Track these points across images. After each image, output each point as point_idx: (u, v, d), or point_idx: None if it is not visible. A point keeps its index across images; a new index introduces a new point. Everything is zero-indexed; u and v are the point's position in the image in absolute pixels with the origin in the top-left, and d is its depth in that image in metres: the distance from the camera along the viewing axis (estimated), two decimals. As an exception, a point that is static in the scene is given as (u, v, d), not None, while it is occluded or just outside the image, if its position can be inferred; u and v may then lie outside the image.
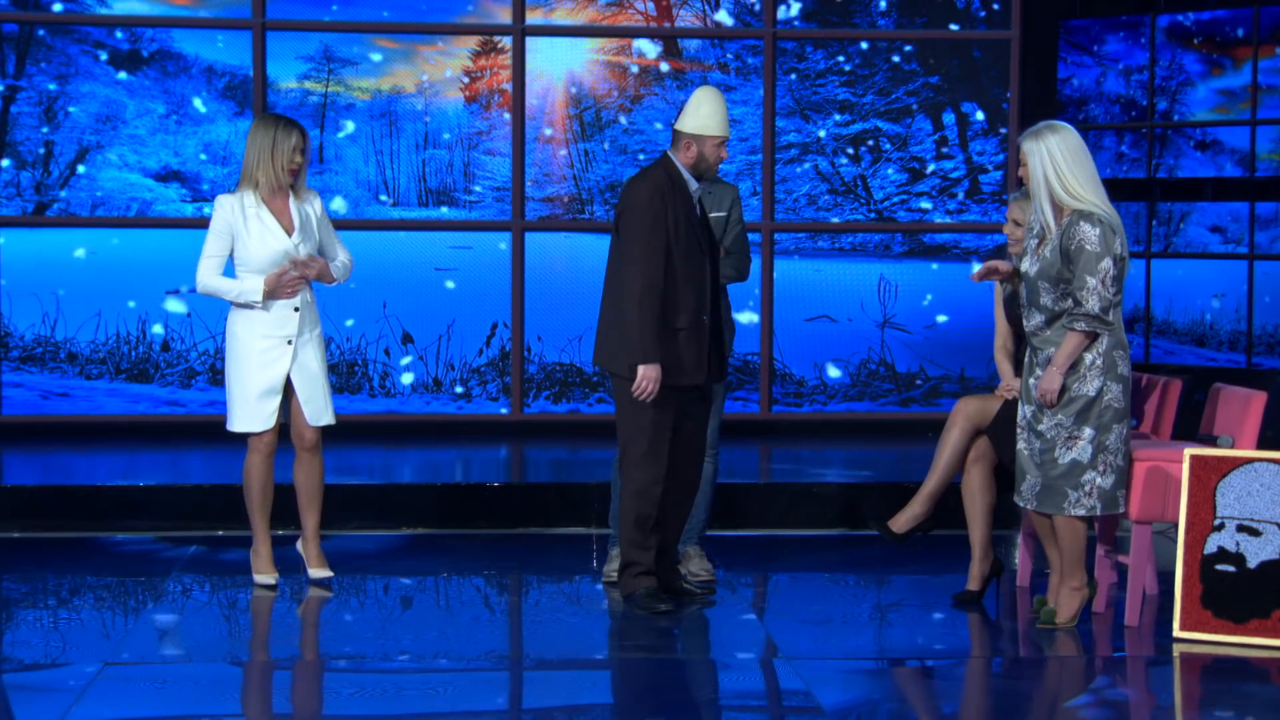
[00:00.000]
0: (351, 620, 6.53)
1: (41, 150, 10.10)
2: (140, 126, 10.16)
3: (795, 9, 10.45)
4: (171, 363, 10.17)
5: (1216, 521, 6.14)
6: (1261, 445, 6.45)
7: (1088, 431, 6.12)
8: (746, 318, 10.36)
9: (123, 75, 10.14)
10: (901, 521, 6.71)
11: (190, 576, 7.17)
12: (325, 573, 6.95)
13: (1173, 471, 6.30)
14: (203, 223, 10.07)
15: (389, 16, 10.26)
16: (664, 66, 10.42)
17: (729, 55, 10.47)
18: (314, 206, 6.86)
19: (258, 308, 6.71)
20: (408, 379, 10.30)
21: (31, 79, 10.08)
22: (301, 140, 6.73)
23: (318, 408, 6.81)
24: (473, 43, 10.34)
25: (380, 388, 10.30)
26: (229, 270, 6.83)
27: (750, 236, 7.98)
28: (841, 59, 10.50)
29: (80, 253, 10.09)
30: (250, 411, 6.73)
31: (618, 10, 10.43)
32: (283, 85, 10.19)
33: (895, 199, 10.58)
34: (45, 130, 10.09)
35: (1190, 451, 6.20)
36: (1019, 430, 6.30)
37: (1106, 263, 6.05)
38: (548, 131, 10.37)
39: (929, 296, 10.55)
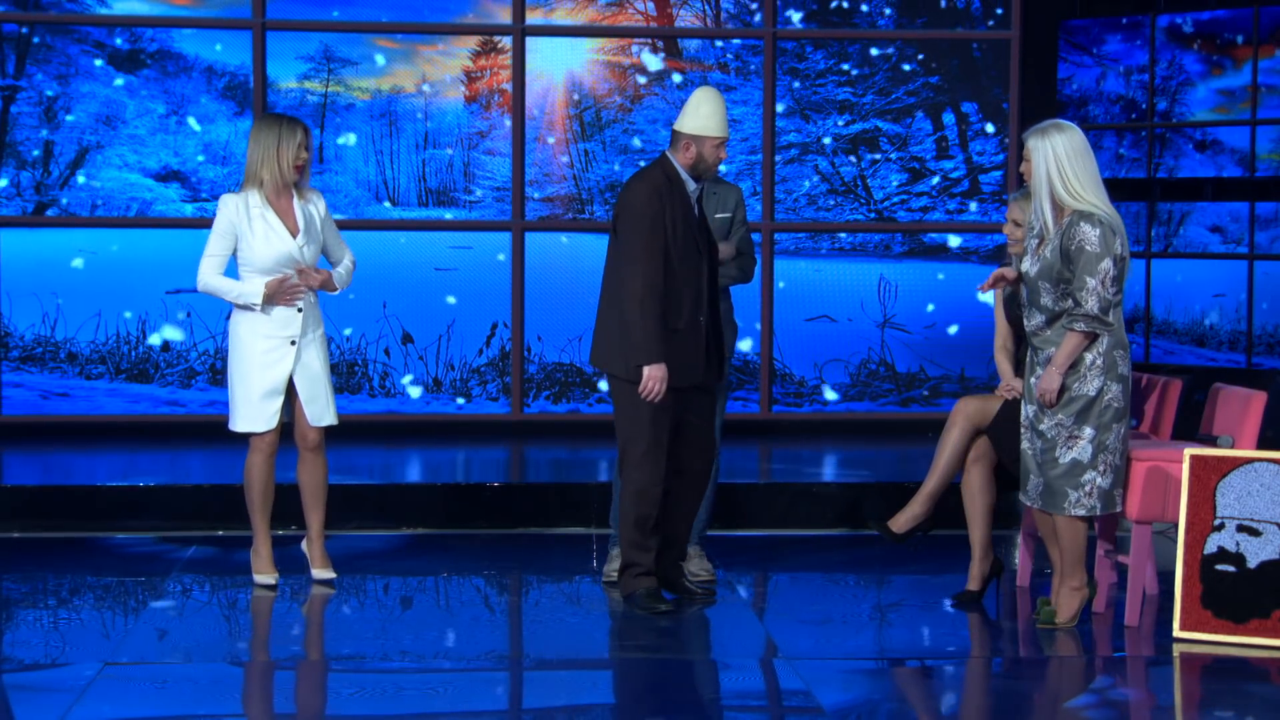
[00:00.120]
0: (352, 620, 6.53)
1: (41, 150, 10.10)
2: (140, 126, 10.16)
3: (797, 18, 10.45)
4: (171, 363, 10.17)
5: (1216, 521, 6.14)
6: (1261, 445, 6.45)
7: (1088, 431, 6.12)
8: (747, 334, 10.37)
9: (123, 76, 10.14)
10: (901, 521, 6.71)
11: (190, 576, 7.17)
12: (328, 573, 6.95)
13: (1173, 471, 6.30)
14: (203, 223, 10.09)
15: (389, 17, 10.26)
16: (665, 70, 10.43)
17: (729, 55, 10.47)
18: (318, 207, 6.85)
19: (258, 309, 6.71)
20: (416, 393, 10.30)
21: (31, 79, 10.08)
22: (306, 137, 6.73)
23: (319, 409, 6.81)
24: (473, 43, 10.34)
25: (380, 388, 10.30)
26: (232, 270, 6.82)
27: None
28: (845, 65, 10.50)
29: (78, 262, 10.08)
30: (253, 412, 6.73)
31: (618, 10, 10.43)
32: (283, 85, 10.19)
33: (895, 199, 10.58)
34: (45, 131, 10.08)
35: (1190, 451, 6.20)
36: (1023, 430, 6.30)
37: (1106, 263, 6.05)
38: (551, 140, 10.37)
39: (931, 305, 10.55)
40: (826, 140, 10.50)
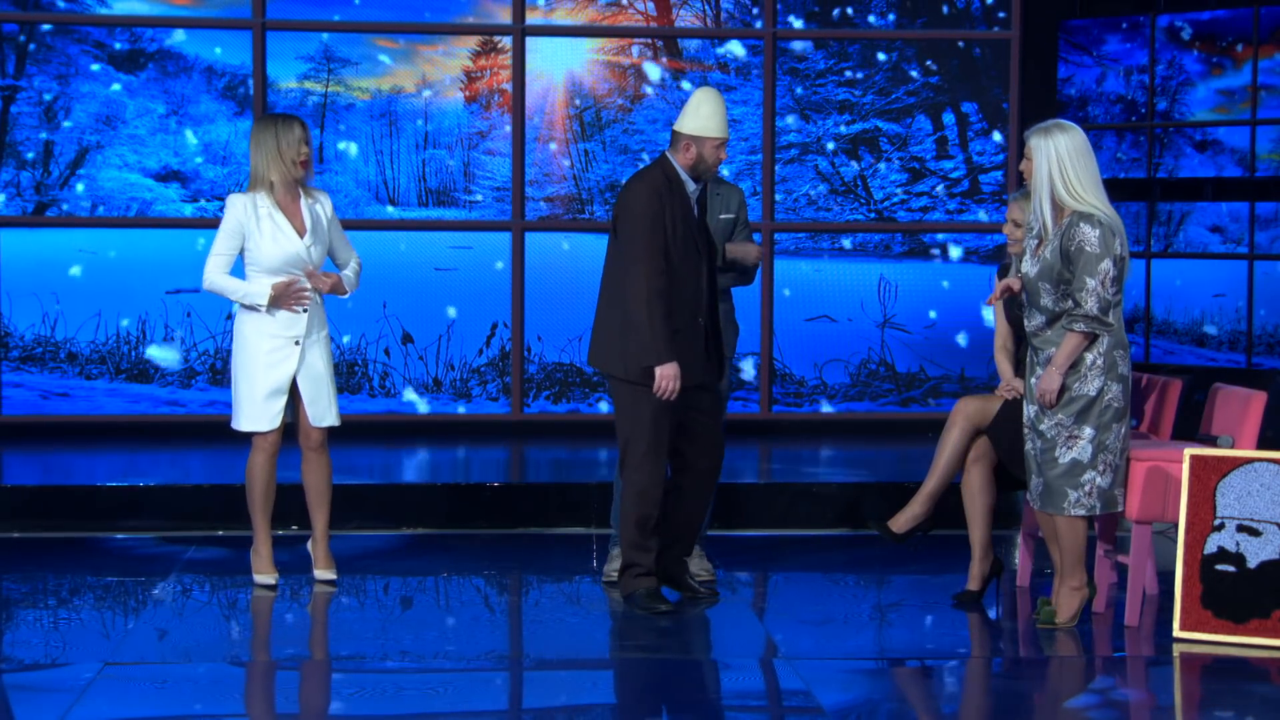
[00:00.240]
0: (352, 620, 6.53)
1: (41, 150, 10.10)
2: (140, 126, 10.16)
3: (798, 24, 10.45)
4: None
5: (1216, 521, 6.14)
6: (1261, 445, 6.45)
7: (1088, 431, 6.12)
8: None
9: (122, 76, 10.14)
10: (901, 521, 6.71)
11: (190, 576, 7.17)
12: (330, 574, 6.95)
13: (1173, 471, 6.30)
14: (202, 223, 10.10)
15: (389, 17, 10.26)
16: (664, 70, 10.43)
17: (729, 55, 10.47)
18: (325, 207, 6.86)
19: (264, 310, 6.71)
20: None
21: (31, 79, 10.08)
22: (304, 132, 6.73)
23: (321, 409, 6.81)
24: (473, 43, 10.34)
25: (380, 388, 10.30)
26: (239, 270, 6.82)
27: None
28: (846, 65, 10.50)
29: (76, 270, 10.08)
30: (256, 411, 6.73)
31: (618, 10, 10.43)
32: (283, 85, 10.19)
33: (895, 199, 10.58)
34: (45, 131, 10.09)
35: (1190, 451, 6.20)
36: (1025, 430, 6.31)
37: (1106, 264, 6.05)
38: (553, 147, 10.37)
39: (933, 312, 10.56)
40: (830, 145, 10.50)
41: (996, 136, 10.52)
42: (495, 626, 6.56)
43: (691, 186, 6.49)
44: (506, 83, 10.32)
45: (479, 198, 10.35)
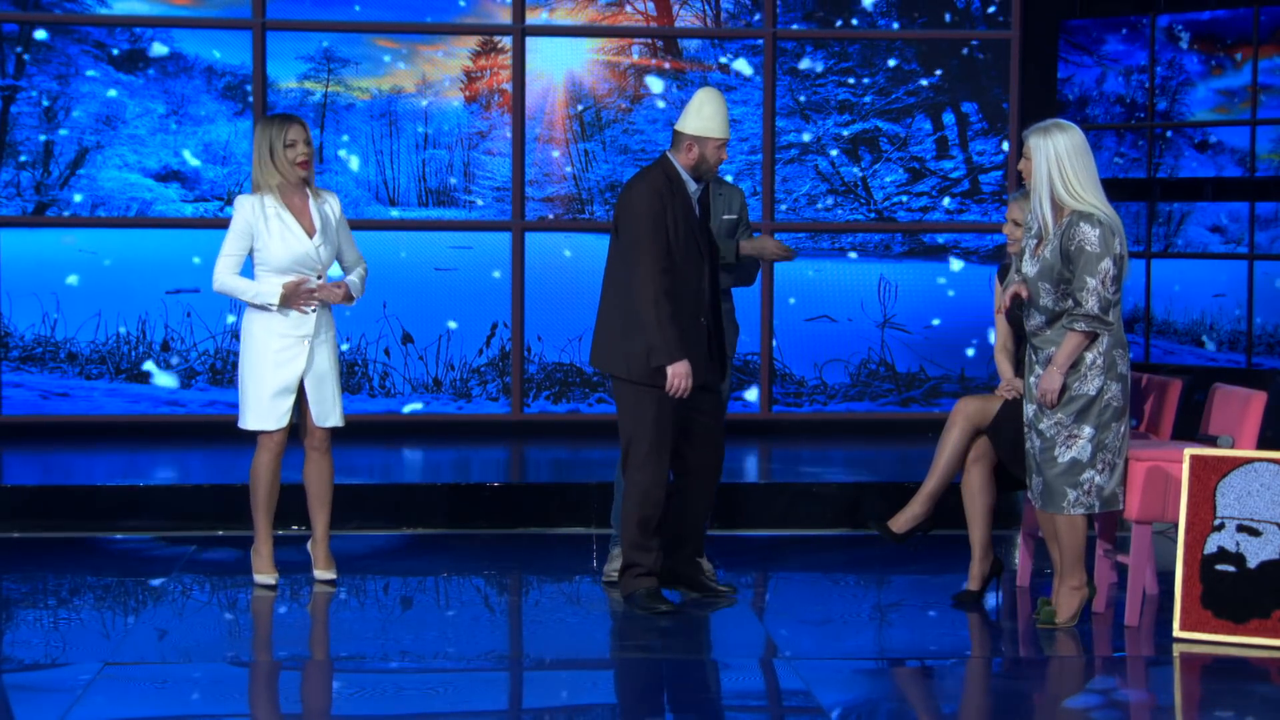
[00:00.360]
0: (351, 620, 6.53)
1: (41, 150, 10.10)
2: (140, 126, 10.16)
3: (798, 30, 10.45)
4: (171, 363, 10.17)
5: (1216, 521, 6.14)
6: (1261, 445, 6.45)
7: (1088, 430, 6.13)
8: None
9: (122, 76, 10.14)
10: (901, 521, 6.71)
11: (190, 576, 7.17)
12: (330, 574, 6.95)
13: (1173, 471, 6.30)
14: (202, 223, 10.10)
15: (389, 17, 10.27)
16: (666, 69, 10.43)
17: (729, 55, 10.47)
18: (333, 208, 6.86)
19: (274, 310, 6.71)
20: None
21: (31, 79, 10.08)
22: (301, 131, 6.72)
23: (326, 409, 6.81)
24: (473, 43, 10.34)
25: (380, 388, 10.30)
26: (247, 270, 6.82)
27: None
28: (845, 64, 10.51)
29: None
30: (263, 410, 6.73)
31: (618, 10, 10.43)
32: (283, 85, 10.19)
33: (895, 199, 10.58)
34: (45, 131, 10.09)
35: (1190, 451, 6.20)
36: (1025, 429, 6.31)
37: (1107, 263, 6.05)
38: (552, 147, 10.37)
39: (936, 320, 10.56)
40: (834, 153, 10.50)
41: (1006, 146, 10.52)
42: (495, 626, 6.56)
43: (693, 186, 6.49)
44: (506, 83, 10.31)
45: (479, 201, 10.35)
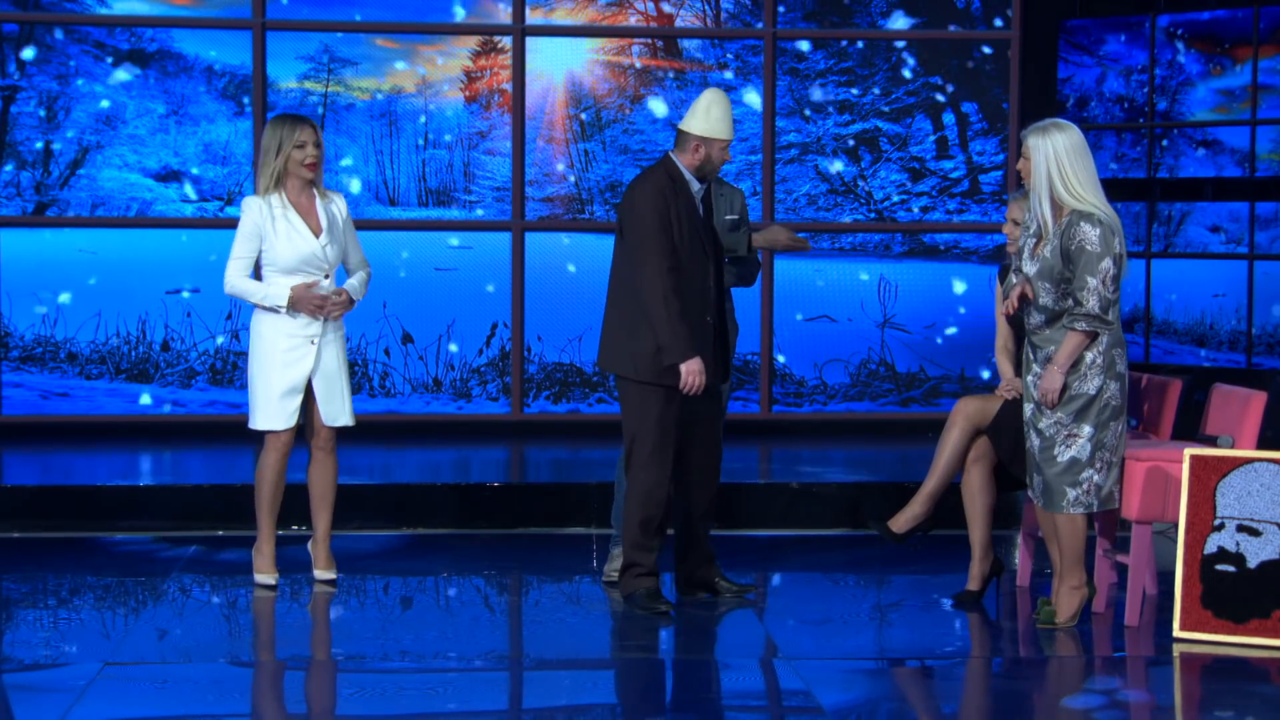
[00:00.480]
0: (352, 620, 6.53)
1: (41, 150, 10.10)
2: (140, 126, 10.16)
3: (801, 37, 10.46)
4: (171, 363, 10.18)
5: (1216, 521, 6.14)
6: (1261, 445, 6.45)
7: (1087, 429, 6.13)
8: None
9: (123, 76, 10.14)
10: (901, 521, 6.70)
11: (190, 576, 7.17)
12: (330, 574, 6.95)
13: (1173, 471, 6.30)
14: (202, 223, 10.10)
15: (389, 17, 10.27)
16: (666, 69, 10.43)
17: (729, 55, 10.47)
18: (340, 208, 6.86)
19: (283, 312, 6.72)
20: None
21: (31, 79, 10.08)
22: (312, 133, 6.73)
23: (335, 408, 6.82)
24: (473, 43, 10.34)
25: (380, 388, 10.30)
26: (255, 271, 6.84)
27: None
28: (845, 62, 10.51)
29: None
30: (272, 410, 6.73)
31: (618, 10, 10.43)
32: (283, 85, 10.19)
33: (895, 199, 10.59)
34: (45, 131, 10.09)
35: (1190, 451, 6.20)
36: (1025, 428, 6.31)
37: (1107, 263, 6.05)
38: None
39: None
40: (840, 164, 10.50)
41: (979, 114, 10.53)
42: (495, 626, 6.56)
43: (696, 186, 6.51)
44: (506, 83, 10.31)
45: (479, 212, 10.35)
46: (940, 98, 10.54)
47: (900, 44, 10.50)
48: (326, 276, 6.77)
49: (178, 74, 10.16)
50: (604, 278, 6.64)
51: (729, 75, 10.44)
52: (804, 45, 10.46)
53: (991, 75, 10.54)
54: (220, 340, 10.11)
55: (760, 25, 10.41)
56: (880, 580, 7.38)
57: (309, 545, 7.00)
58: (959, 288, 10.57)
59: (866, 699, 5.55)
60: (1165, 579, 6.78)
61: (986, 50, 10.52)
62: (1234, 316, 11.68)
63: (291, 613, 6.63)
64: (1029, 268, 6.21)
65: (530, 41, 10.31)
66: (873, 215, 10.57)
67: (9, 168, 10.06)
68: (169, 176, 10.18)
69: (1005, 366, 6.77)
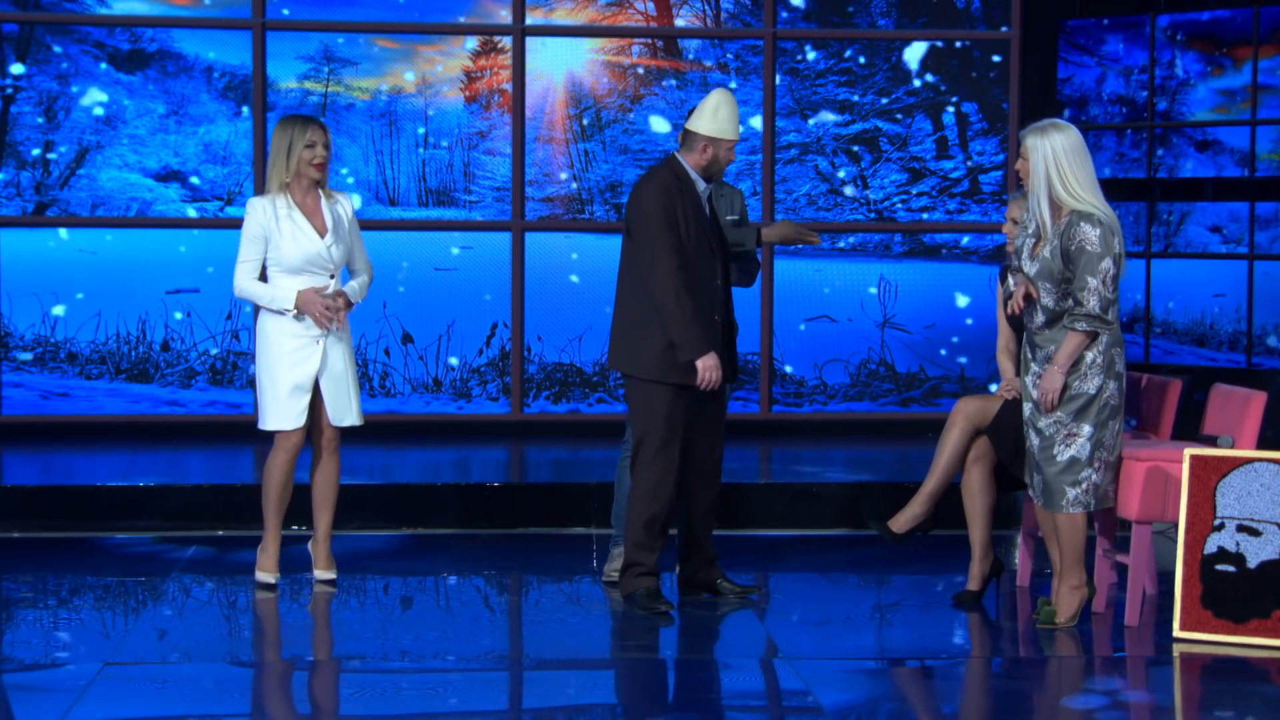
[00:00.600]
0: (351, 620, 6.53)
1: (41, 150, 10.10)
2: (140, 126, 10.16)
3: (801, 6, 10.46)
4: (171, 363, 10.18)
5: (1216, 521, 6.14)
6: (1261, 445, 6.45)
7: (1086, 429, 6.13)
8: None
9: (123, 76, 10.14)
10: (901, 521, 6.71)
11: (190, 576, 7.17)
12: (330, 574, 6.96)
13: (1173, 471, 6.30)
14: (202, 223, 10.10)
15: (389, 17, 10.27)
16: (666, 69, 10.43)
17: (729, 55, 10.47)
18: (345, 209, 6.87)
19: (290, 315, 6.72)
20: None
21: (31, 79, 10.08)
22: (321, 134, 6.74)
23: (341, 408, 6.82)
24: (473, 43, 10.34)
25: (380, 388, 10.30)
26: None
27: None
28: (845, 60, 10.51)
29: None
30: (280, 410, 6.73)
31: (618, 10, 10.43)
32: (283, 85, 10.19)
33: (895, 199, 10.59)
34: (45, 131, 10.09)
35: (1190, 451, 6.20)
36: (1025, 428, 6.31)
37: (1107, 263, 6.05)
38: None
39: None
40: (839, 167, 10.50)
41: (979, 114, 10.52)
42: (495, 626, 6.56)
43: (702, 185, 6.52)
44: (506, 83, 10.31)
45: (478, 218, 10.35)
46: (947, 93, 10.54)
47: (913, 53, 10.50)
48: (332, 277, 6.77)
49: (178, 74, 10.16)
50: (603, 278, 6.65)
51: (732, 83, 10.44)
52: (811, 55, 10.46)
53: (992, 75, 10.53)
54: (214, 352, 10.11)
55: (760, 25, 10.42)
56: (880, 580, 7.38)
57: (309, 545, 7.00)
58: (961, 301, 10.57)
59: (866, 699, 5.55)
60: (1165, 579, 6.77)
61: (994, 59, 10.52)
62: (1234, 316, 11.67)
63: (292, 613, 6.63)
64: (1028, 268, 6.21)
65: (530, 41, 10.30)
66: (873, 215, 10.57)
67: (9, 168, 10.06)
68: (169, 176, 10.18)
69: (1007, 366, 6.77)
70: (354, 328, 10.19)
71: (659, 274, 6.36)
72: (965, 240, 10.59)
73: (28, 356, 10.08)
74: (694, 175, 6.50)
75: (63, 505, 8.24)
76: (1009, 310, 6.40)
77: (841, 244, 10.58)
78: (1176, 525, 6.25)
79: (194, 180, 10.16)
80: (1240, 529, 6.12)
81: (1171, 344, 11.93)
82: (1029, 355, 6.27)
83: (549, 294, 10.35)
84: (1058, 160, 6.11)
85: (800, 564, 7.71)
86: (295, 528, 7.77)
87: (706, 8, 10.45)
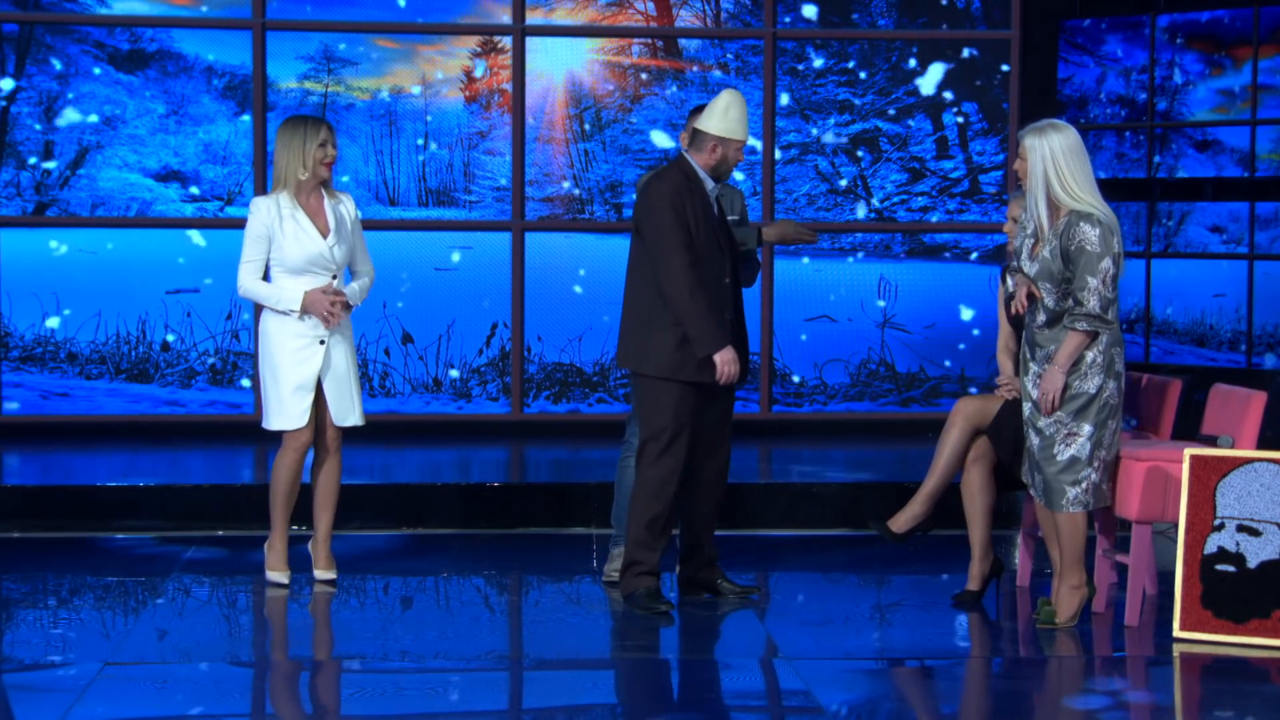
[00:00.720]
0: (351, 620, 6.53)
1: (41, 150, 10.10)
2: (140, 126, 10.16)
3: (811, 12, 10.46)
4: (171, 363, 10.18)
5: (1216, 521, 6.14)
6: (1261, 445, 6.45)
7: (1087, 428, 6.13)
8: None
9: (123, 76, 10.14)
10: (901, 521, 6.71)
11: (190, 576, 7.17)
12: (330, 574, 6.96)
13: (1173, 471, 6.30)
14: (202, 223, 10.10)
15: (389, 17, 10.27)
16: (666, 69, 10.43)
17: (729, 55, 10.47)
18: (348, 209, 6.87)
19: (295, 315, 6.73)
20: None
21: (31, 79, 10.08)
22: (330, 135, 6.76)
23: (345, 408, 6.83)
24: (473, 43, 10.34)
25: (380, 388, 10.30)
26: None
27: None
28: (847, 63, 10.51)
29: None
30: (285, 409, 6.74)
31: (618, 10, 10.43)
32: (283, 85, 10.19)
33: (895, 199, 10.58)
34: (45, 130, 10.08)
35: (1190, 451, 6.20)
36: (1025, 427, 6.31)
37: (1107, 263, 6.06)
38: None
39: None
40: (838, 165, 10.50)
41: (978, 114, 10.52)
42: (495, 626, 6.56)
43: (710, 185, 6.53)
44: (506, 83, 10.31)
45: (477, 224, 10.35)
46: (945, 94, 10.54)
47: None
48: (334, 277, 6.78)
49: (178, 74, 10.16)
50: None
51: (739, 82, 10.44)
52: (818, 63, 10.46)
53: (991, 75, 10.53)
54: (211, 361, 10.11)
55: (760, 25, 10.42)
56: (880, 580, 7.38)
57: (309, 545, 7.01)
58: (962, 301, 10.57)
59: (866, 699, 5.55)
60: (1165, 579, 6.78)
61: (1003, 68, 10.52)
62: (1234, 316, 11.68)
63: (292, 613, 6.63)
64: (1028, 269, 6.22)
65: (530, 41, 10.30)
66: (872, 215, 10.57)
67: (9, 168, 10.06)
68: (169, 176, 10.18)
69: (1006, 364, 6.78)
70: (354, 328, 10.22)
71: (672, 271, 6.37)
72: (962, 241, 10.59)
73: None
74: (703, 175, 6.52)
75: (63, 505, 8.24)
76: (1012, 310, 6.40)
77: (841, 244, 10.58)
78: (1176, 525, 6.25)
79: (194, 190, 10.16)
80: (1240, 529, 6.12)
81: (1171, 344, 11.93)
82: (1028, 355, 6.28)
83: (549, 294, 10.35)
84: (1056, 160, 6.11)
85: (800, 564, 7.71)
86: (295, 528, 7.76)
87: (706, 8, 10.46)
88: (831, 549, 7.98)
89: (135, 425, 10.11)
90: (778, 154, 10.43)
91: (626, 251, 6.66)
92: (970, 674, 5.91)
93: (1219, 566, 6.13)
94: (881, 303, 10.46)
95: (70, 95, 10.10)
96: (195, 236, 10.16)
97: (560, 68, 10.40)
